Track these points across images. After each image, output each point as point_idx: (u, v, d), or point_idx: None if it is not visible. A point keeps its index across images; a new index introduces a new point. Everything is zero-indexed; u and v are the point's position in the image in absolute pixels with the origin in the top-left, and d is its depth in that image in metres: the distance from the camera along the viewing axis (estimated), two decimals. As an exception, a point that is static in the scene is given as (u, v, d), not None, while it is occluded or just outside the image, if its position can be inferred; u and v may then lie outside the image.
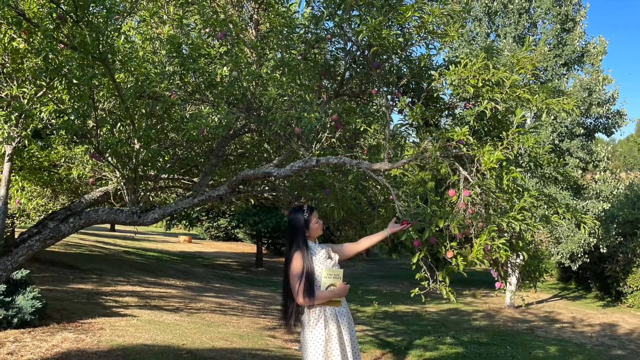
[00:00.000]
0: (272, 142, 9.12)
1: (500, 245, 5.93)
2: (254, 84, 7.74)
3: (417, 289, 6.45)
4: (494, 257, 6.20)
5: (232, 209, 30.82)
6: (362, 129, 7.78)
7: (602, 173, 28.75)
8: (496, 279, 6.61)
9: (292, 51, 8.09)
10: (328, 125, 7.17)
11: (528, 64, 6.60)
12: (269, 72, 7.91)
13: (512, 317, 25.05)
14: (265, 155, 9.53)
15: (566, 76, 28.95)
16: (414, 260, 6.23)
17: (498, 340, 18.99)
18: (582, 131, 28.15)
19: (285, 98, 7.13)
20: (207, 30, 8.06)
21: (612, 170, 30.26)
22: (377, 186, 8.57)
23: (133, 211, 7.69)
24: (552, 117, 26.81)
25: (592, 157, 28.72)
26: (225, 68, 7.52)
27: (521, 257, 6.89)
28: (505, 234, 6.45)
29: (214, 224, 45.96)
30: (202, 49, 7.44)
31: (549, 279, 38.13)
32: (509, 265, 6.78)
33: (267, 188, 8.92)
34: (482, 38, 28.85)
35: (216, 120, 7.41)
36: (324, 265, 5.74)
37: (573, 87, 28.08)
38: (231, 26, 7.97)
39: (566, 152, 27.95)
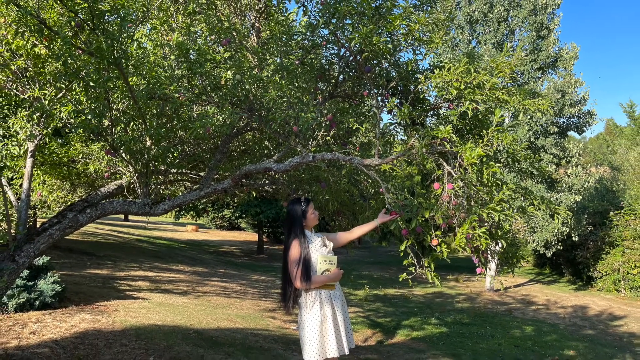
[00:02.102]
0: (272, 140, 9.09)
1: (481, 234, 5.99)
2: (255, 86, 7.74)
3: (405, 274, 6.45)
4: (475, 245, 6.22)
5: (236, 201, 30.78)
6: (354, 128, 7.78)
7: (574, 168, 28.65)
8: (477, 264, 6.62)
9: (290, 56, 8.10)
10: (323, 124, 7.16)
11: (506, 68, 6.63)
12: (269, 75, 7.91)
13: (491, 300, 25.19)
14: (265, 151, 9.51)
15: (541, 79, 29.08)
16: (402, 247, 6.26)
17: (479, 321, 19.11)
18: (555, 130, 28.25)
19: (284, 99, 7.17)
20: (213, 37, 8.06)
21: (583, 166, 30.20)
22: (368, 180, 8.55)
23: (145, 203, 7.70)
24: (529, 117, 26.98)
25: (565, 153, 28.91)
26: (229, 72, 7.54)
27: (500, 245, 6.91)
28: (486, 224, 6.47)
29: (219, 214, 45.64)
30: (208, 55, 7.43)
31: (526, 265, 38.49)
32: (489, 252, 6.78)
33: (267, 181, 8.93)
34: (465, 44, 28.96)
35: (221, 119, 7.41)
36: (320, 252, 5.80)
37: (547, 89, 28.24)
38: (234, 33, 7.99)
39: (541, 149, 28.16)
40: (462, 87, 6.47)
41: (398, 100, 7.62)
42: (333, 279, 5.77)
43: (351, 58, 7.64)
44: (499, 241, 6.83)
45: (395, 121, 7.58)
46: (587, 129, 29.97)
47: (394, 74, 7.61)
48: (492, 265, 25.94)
